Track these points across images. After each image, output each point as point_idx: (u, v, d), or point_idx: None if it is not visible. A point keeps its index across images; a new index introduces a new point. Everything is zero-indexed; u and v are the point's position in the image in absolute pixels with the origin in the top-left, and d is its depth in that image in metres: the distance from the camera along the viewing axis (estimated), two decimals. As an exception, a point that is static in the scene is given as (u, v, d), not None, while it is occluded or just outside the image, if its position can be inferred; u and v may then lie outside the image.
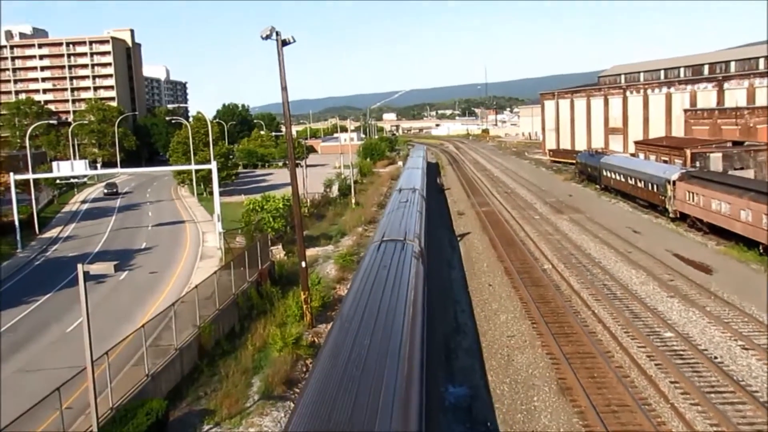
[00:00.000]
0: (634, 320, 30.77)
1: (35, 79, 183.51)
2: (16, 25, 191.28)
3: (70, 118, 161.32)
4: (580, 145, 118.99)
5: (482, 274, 41.58)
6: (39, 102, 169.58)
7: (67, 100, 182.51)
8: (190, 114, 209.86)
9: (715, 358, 25.91)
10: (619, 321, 30.89)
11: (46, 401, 18.45)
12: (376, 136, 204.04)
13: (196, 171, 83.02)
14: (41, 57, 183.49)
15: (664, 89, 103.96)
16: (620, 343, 27.80)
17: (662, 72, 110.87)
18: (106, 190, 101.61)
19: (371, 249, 28.14)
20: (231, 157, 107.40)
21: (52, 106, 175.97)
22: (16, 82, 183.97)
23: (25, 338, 33.12)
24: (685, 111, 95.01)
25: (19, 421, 17.70)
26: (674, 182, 54.43)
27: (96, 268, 17.01)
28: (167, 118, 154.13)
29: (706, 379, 24.08)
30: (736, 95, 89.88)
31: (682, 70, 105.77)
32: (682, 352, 26.62)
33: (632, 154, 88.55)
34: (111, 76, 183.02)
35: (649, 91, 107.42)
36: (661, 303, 33.39)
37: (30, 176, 68.66)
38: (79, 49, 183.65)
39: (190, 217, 74.66)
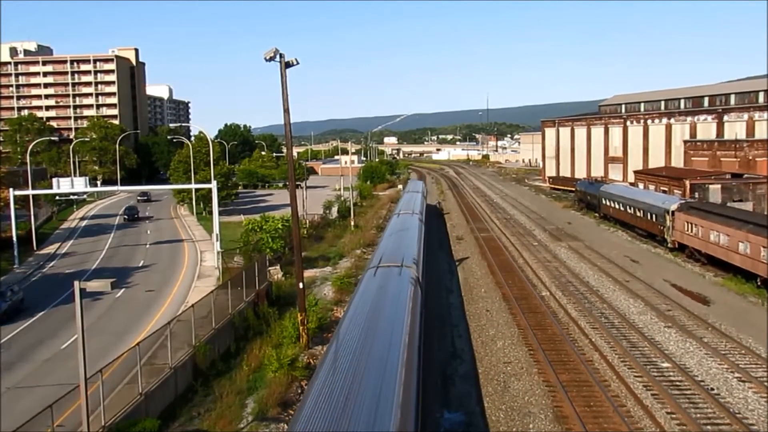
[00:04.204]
0: (631, 350, 30.65)
1: (38, 96, 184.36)
2: (22, 41, 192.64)
3: (72, 135, 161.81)
4: (580, 173, 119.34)
5: (480, 299, 41.49)
6: (41, 118, 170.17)
7: (69, 117, 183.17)
8: (192, 133, 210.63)
9: (712, 389, 25.78)
10: (617, 350, 30.77)
11: (39, 419, 18.32)
12: (377, 160, 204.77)
13: (196, 190, 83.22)
14: (45, 74, 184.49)
15: (665, 120, 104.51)
16: (617, 373, 27.68)
17: (662, 102, 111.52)
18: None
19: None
20: (231, 177, 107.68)
21: (54, 123, 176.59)
22: (19, 98, 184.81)
23: (20, 355, 32.98)
24: (685, 142, 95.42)
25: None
26: (673, 213, 54.51)
27: (93, 285, 16.98)
28: (169, 137, 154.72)
29: (703, 410, 23.94)
30: (735, 128, 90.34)
31: (682, 101, 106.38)
32: (679, 383, 26.50)
33: (632, 184, 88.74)
34: (114, 94, 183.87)
35: (649, 122, 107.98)
36: (658, 333, 33.30)
37: (30, 192, 68.82)
38: (83, 67, 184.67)
39: (188, 236, 74.66)
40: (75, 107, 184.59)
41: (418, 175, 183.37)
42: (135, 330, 36.13)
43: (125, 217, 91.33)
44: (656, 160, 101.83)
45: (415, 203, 59.89)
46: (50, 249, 67.94)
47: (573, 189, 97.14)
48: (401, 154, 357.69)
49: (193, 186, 77.57)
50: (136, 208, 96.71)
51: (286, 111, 32.39)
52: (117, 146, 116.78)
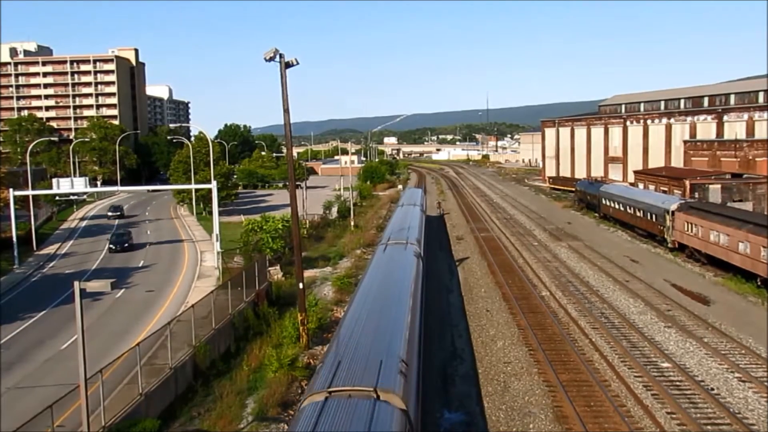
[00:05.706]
0: (631, 350, 30.65)
1: (38, 96, 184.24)
2: (22, 42, 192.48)
3: (72, 135, 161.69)
4: (580, 173, 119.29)
5: (480, 299, 41.49)
6: (41, 119, 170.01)
7: (69, 118, 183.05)
8: (192, 134, 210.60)
9: (712, 389, 25.78)
10: (617, 350, 30.77)
11: (39, 419, 18.31)
12: (377, 160, 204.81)
13: (196, 190, 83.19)
14: (45, 74, 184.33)
15: (664, 120, 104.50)
16: (617, 373, 27.68)
17: (662, 102, 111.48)
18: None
19: None
20: (231, 177, 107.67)
21: (54, 123, 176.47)
22: (19, 98, 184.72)
23: (19, 355, 32.96)
24: (685, 142, 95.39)
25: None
26: (673, 212, 54.50)
27: (93, 286, 16.94)
28: (169, 138, 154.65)
29: (703, 410, 23.94)
30: (735, 128, 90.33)
31: (682, 101, 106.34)
32: (679, 383, 26.50)
33: (631, 184, 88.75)
34: (114, 94, 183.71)
35: (649, 122, 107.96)
36: (658, 333, 33.30)
37: (29, 192, 68.77)
38: (83, 67, 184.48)
39: (188, 236, 74.63)
40: (75, 107, 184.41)
41: (418, 175, 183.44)
42: (135, 330, 36.11)
43: (111, 247, 64.81)
44: (656, 160, 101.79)
45: (411, 225, 43.45)
46: (50, 249, 67.90)
47: (573, 189, 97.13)
48: (401, 154, 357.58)
49: (193, 186, 77.54)
50: (129, 232, 70.73)
51: (286, 111, 32.39)
52: (117, 146, 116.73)
